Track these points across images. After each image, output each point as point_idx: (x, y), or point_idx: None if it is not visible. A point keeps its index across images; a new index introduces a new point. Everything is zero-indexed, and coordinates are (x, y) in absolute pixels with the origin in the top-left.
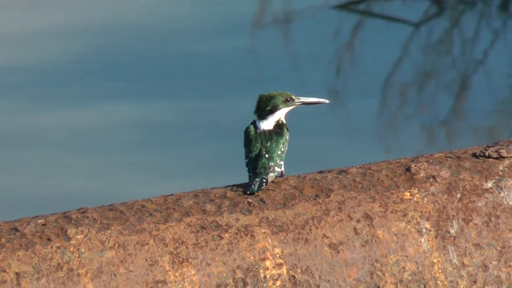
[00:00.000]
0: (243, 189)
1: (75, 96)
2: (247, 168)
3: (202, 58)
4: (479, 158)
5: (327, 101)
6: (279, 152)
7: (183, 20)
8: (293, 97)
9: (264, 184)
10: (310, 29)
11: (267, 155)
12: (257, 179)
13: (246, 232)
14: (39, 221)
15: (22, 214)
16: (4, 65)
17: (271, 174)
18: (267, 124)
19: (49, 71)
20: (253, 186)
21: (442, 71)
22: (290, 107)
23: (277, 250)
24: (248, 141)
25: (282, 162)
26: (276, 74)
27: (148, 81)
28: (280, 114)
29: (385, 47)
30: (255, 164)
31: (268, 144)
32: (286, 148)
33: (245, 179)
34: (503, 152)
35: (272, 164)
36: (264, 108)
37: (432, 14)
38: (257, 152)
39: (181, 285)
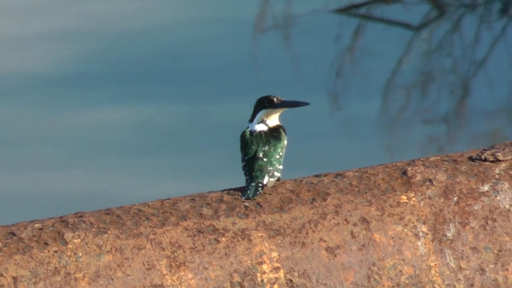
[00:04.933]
0: (239, 193)
1: (78, 98)
2: (243, 172)
3: (203, 61)
4: (475, 162)
5: (308, 103)
6: (277, 157)
7: (184, 24)
8: (272, 98)
9: (260, 189)
10: (310, 33)
11: (265, 159)
12: (253, 184)
13: (243, 236)
14: (36, 225)
15: (19, 216)
16: (14, 70)
17: (271, 179)
18: (258, 126)
19: (54, 75)
20: (248, 192)
21: (443, 74)
22: (270, 109)
23: (274, 254)
24: (244, 144)
25: (281, 167)
26: (277, 78)
27: (148, 84)
28: (262, 116)
29: (385, 51)
30: (251, 167)
31: (266, 148)
32: (284, 152)
33: (242, 183)
34: (500, 156)
35: (271, 168)
36: (253, 111)
37: (432, 17)
38: (253, 154)
39: None
